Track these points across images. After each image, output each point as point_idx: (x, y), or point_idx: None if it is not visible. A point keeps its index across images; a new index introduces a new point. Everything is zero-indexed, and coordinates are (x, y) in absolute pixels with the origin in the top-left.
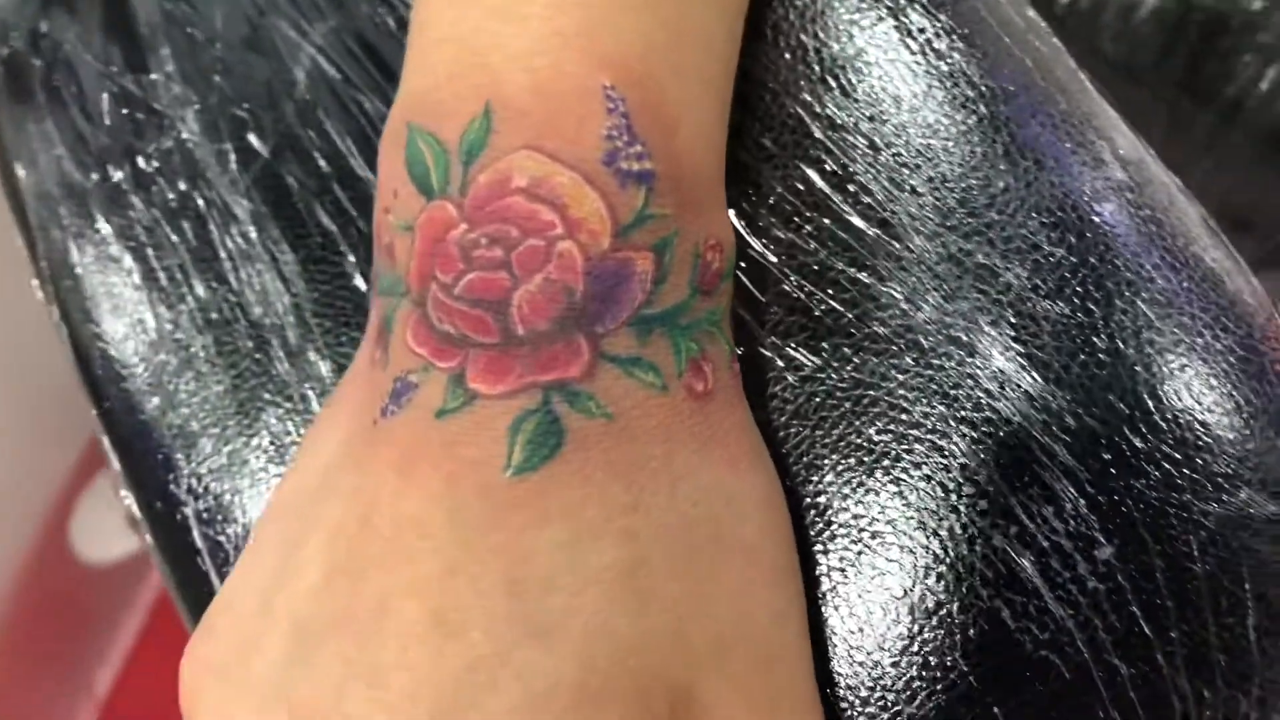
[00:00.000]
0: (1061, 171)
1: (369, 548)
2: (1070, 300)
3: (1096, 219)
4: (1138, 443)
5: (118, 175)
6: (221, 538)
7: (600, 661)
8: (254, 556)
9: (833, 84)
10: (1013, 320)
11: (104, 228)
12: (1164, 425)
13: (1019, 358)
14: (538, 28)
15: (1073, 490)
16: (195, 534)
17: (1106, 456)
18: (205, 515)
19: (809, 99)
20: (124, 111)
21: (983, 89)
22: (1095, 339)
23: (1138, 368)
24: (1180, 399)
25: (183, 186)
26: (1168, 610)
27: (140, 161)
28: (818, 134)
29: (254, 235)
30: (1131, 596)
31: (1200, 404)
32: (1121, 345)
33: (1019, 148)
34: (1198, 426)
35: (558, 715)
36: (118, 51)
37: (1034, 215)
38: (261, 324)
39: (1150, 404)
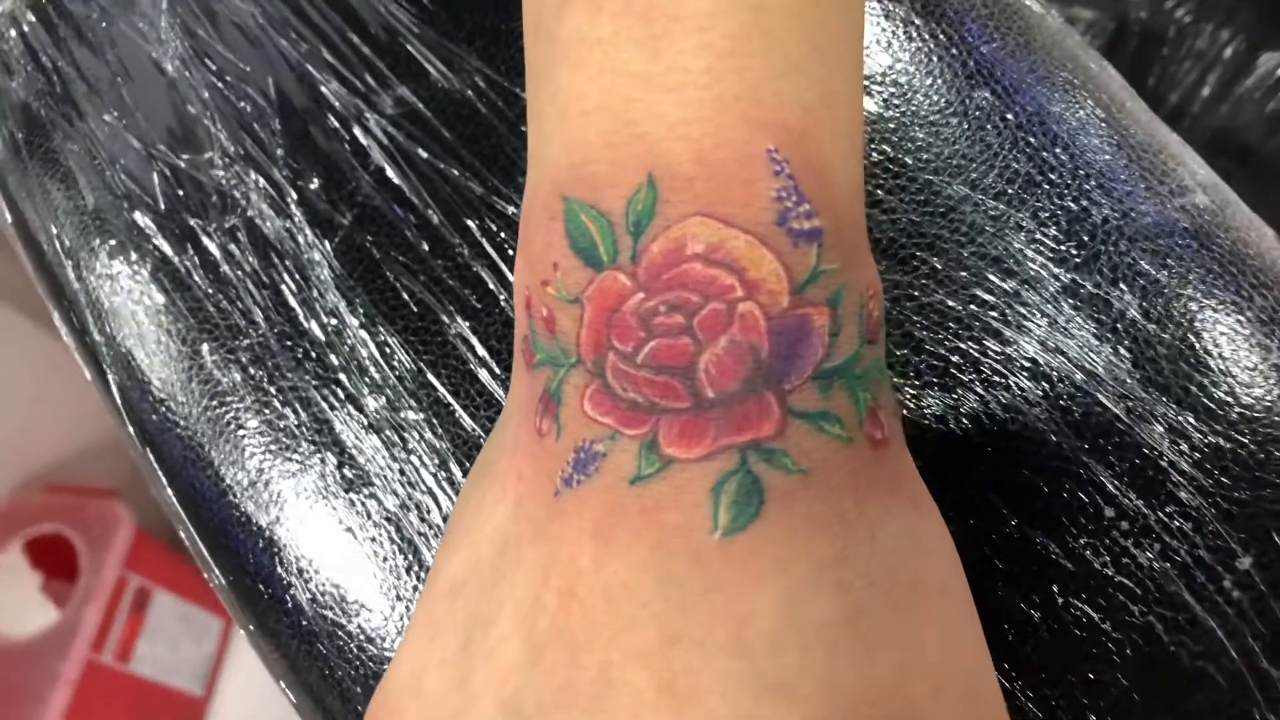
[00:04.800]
0: (1152, 199)
1: (578, 620)
2: (1180, 324)
3: (1190, 244)
4: (1261, 455)
5: (178, 258)
6: (343, 619)
7: (835, 715)
8: (428, 635)
9: (919, 136)
10: (1128, 346)
11: (174, 316)
12: (1275, 437)
13: (1140, 384)
14: (695, 95)
15: (1206, 505)
16: (308, 614)
17: (1232, 469)
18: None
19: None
20: (179, 192)
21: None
22: (1208, 360)
23: (1251, 386)
24: None
25: (254, 262)
26: None
27: (204, 241)
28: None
29: (343, 308)
30: (1274, 602)
31: None
32: (1228, 365)
33: (1108, 180)
34: None
35: None
36: (164, 131)
37: (1135, 243)
38: (360, 400)
39: (1265, 422)
